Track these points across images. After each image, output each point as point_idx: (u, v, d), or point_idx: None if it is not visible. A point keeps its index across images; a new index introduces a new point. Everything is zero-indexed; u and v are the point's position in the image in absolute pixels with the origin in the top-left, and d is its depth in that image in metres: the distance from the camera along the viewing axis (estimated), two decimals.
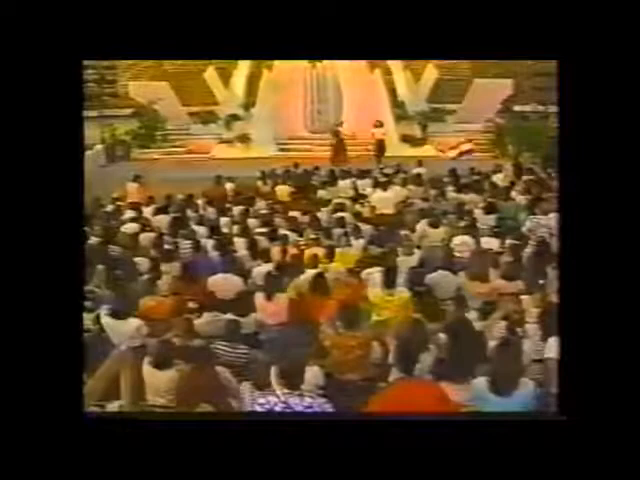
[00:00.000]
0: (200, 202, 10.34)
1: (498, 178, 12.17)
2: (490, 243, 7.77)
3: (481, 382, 3.72)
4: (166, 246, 7.49)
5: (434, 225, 8.41)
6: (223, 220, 9.26)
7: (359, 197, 10.96)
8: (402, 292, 5.74)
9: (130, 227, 8.55)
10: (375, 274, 6.17)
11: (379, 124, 17.39)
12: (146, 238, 8.01)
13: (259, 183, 12.49)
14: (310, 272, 6.29)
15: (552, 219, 7.82)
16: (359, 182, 12.12)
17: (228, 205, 10.21)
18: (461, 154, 13.47)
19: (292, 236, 8.21)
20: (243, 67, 20.99)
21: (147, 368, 4.45)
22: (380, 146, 17.18)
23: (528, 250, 7.39)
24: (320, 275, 6.04)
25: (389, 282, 5.80)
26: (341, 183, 12.23)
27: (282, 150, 18.38)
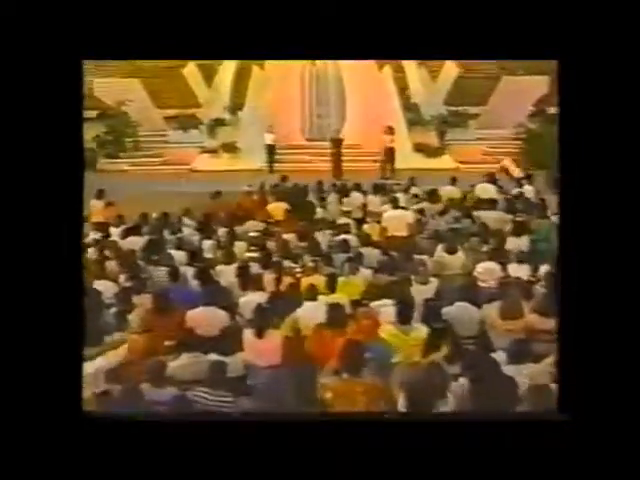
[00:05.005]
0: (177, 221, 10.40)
1: (530, 193, 12.19)
2: (520, 270, 7.79)
3: None
4: (138, 274, 7.53)
5: (452, 250, 8.42)
6: (206, 244, 9.29)
7: (366, 216, 10.99)
8: (417, 329, 5.72)
9: (94, 251, 8.59)
10: (387, 307, 6.16)
11: (389, 131, 17.50)
12: (114, 264, 8.05)
13: (247, 200, 12.47)
14: (317, 303, 6.27)
15: None
16: (366, 198, 12.21)
17: (213, 226, 10.21)
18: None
19: (286, 262, 8.24)
20: (229, 63, 21.06)
21: None
22: (390, 155, 17.31)
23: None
24: (337, 306, 5.94)
25: (404, 317, 5.77)
26: (345, 200, 12.29)
27: (274, 161, 18.43)
